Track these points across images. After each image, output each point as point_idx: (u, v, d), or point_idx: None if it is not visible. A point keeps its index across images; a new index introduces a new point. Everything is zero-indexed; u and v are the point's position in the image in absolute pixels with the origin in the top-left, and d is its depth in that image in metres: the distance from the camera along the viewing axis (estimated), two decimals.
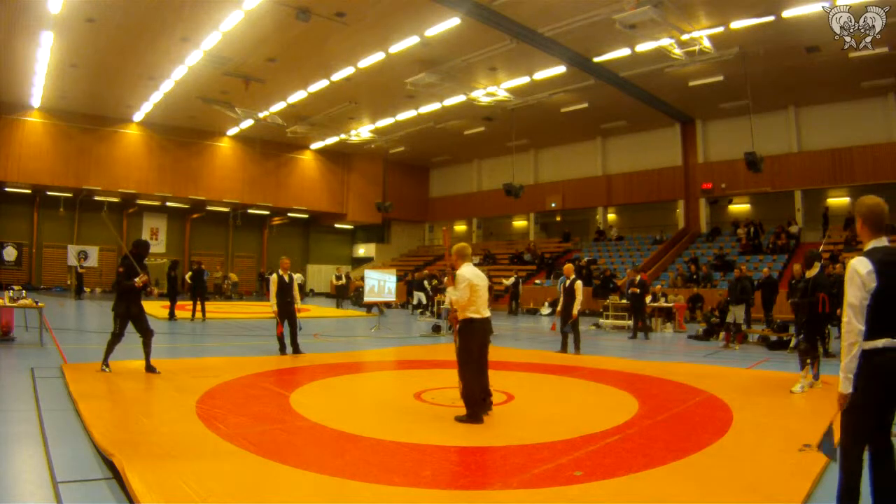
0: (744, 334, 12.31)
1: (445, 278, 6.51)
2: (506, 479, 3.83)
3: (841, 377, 2.95)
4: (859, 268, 2.90)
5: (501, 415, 5.77)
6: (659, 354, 11.09)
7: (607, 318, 17.08)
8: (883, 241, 3.02)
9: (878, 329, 2.88)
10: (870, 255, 2.96)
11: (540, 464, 4.11)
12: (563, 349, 10.58)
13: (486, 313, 5.60)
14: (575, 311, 10.25)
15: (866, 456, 2.95)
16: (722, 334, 12.62)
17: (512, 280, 22.81)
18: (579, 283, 10.43)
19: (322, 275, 34.84)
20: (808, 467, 4.01)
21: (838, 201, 22.58)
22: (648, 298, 14.73)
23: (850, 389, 2.91)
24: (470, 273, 5.54)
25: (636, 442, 4.78)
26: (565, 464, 4.13)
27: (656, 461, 4.20)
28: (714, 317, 13.77)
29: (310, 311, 19.00)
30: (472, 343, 5.50)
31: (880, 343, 2.87)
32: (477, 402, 5.39)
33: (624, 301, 16.39)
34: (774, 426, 5.32)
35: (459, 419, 5.35)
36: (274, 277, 9.71)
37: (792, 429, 5.09)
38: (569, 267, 10.87)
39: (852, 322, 2.88)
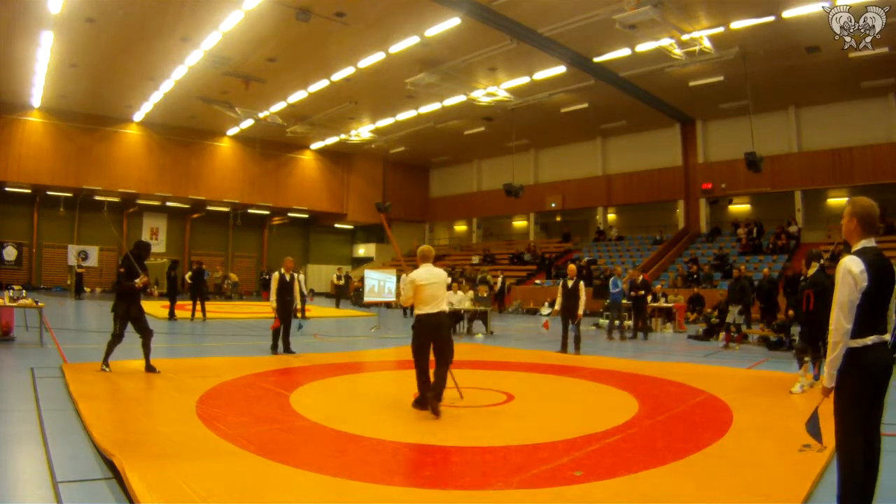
0: (743, 334, 12.31)
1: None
2: (506, 479, 3.82)
3: (825, 372, 3.10)
4: (852, 267, 2.98)
5: (501, 415, 5.78)
6: (659, 354, 11.09)
7: (607, 318, 17.05)
8: (872, 242, 3.12)
9: (867, 327, 3.00)
10: (861, 254, 3.05)
11: (540, 464, 4.11)
12: (564, 349, 10.58)
13: (432, 309, 5.71)
14: (580, 312, 10.27)
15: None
16: (722, 334, 12.62)
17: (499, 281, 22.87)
18: (582, 283, 10.50)
19: (322, 275, 34.85)
20: (808, 467, 4.01)
21: (838, 201, 22.58)
22: (649, 298, 14.73)
23: (833, 384, 3.06)
24: (417, 272, 5.78)
25: (636, 442, 4.78)
26: (565, 464, 4.13)
27: (656, 461, 4.20)
28: (714, 317, 13.77)
29: (310, 311, 18.98)
30: (417, 336, 5.72)
31: (869, 340, 3.00)
32: (422, 390, 5.66)
33: (624, 301, 16.37)
34: (774, 426, 5.31)
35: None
36: (275, 275, 9.75)
37: (792, 429, 5.08)
38: (572, 268, 10.89)
39: (840, 321, 2.98)
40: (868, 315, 3.00)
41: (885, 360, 3.02)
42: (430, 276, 5.76)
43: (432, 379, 5.67)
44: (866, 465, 3.00)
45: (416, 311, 5.73)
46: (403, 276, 6.36)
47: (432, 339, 5.70)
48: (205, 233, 32.36)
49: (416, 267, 5.96)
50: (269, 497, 3.50)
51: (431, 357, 5.77)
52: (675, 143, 25.66)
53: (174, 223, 31.62)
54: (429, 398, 5.54)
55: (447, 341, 5.81)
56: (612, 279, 14.60)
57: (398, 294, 18.41)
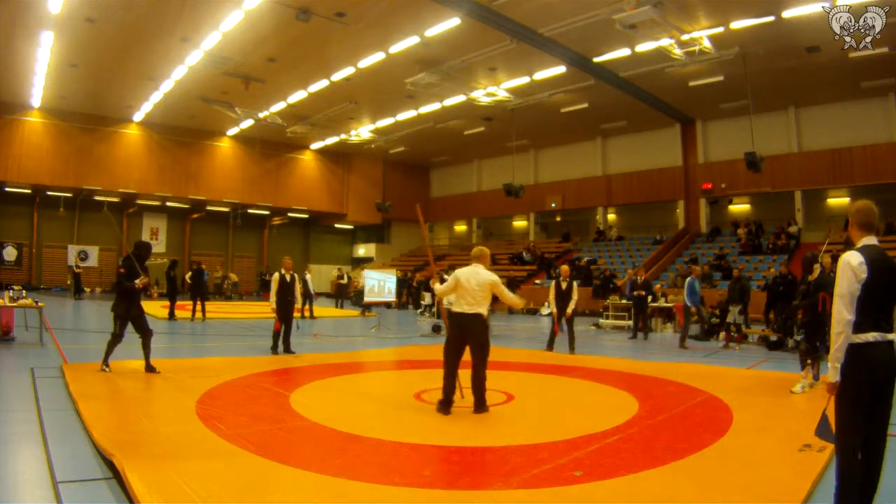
0: (743, 334, 12.31)
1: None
2: (506, 479, 3.82)
3: (829, 366, 3.08)
4: (851, 260, 3.03)
5: (501, 415, 5.78)
6: (659, 354, 11.09)
7: (607, 318, 17.07)
8: (872, 240, 3.15)
9: (867, 323, 2.99)
10: (861, 250, 3.09)
11: (540, 464, 4.11)
12: (550, 347, 10.73)
13: (466, 309, 5.75)
14: (569, 311, 10.31)
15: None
16: (722, 334, 12.62)
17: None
18: (575, 284, 10.68)
19: (322, 275, 34.86)
20: (808, 467, 4.01)
21: (838, 201, 22.58)
22: (649, 298, 14.73)
23: (837, 378, 3.04)
24: (462, 271, 5.91)
25: (636, 442, 4.78)
26: (565, 464, 4.13)
27: (656, 461, 4.20)
28: (714, 317, 13.77)
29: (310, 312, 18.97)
30: (450, 332, 5.86)
31: (870, 337, 2.98)
32: (448, 391, 5.68)
33: (624, 301, 16.38)
34: (774, 426, 5.31)
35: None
36: (276, 276, 9.74)
37: (792, 429, 5.08)
38: (566, 269, 10.94)
39: (842, 312, 2.99)
40: (869, 309, 2.99)
41: (887, 358, 2.99)
42: (471, 276, 5.83)
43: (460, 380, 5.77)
44: (866, 466, 2.98)
45: (451, 309, 5.80)
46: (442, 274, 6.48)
47: (463, 337, 5.74)
48: (205, 233, 32.34)
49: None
50: (269, 497, 3.49)
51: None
52: (675, 143, 25.67)
53: (174, 223, 31.61)
54: (474, 398, 5.69)
55: (467, 337, 5.80)
56: (689, 280, 12.67)
57: (398, 293, 18.65)
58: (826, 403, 3.23)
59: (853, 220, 3.25)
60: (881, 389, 2.99)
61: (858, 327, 2.99)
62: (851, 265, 3.01)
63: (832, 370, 3.07)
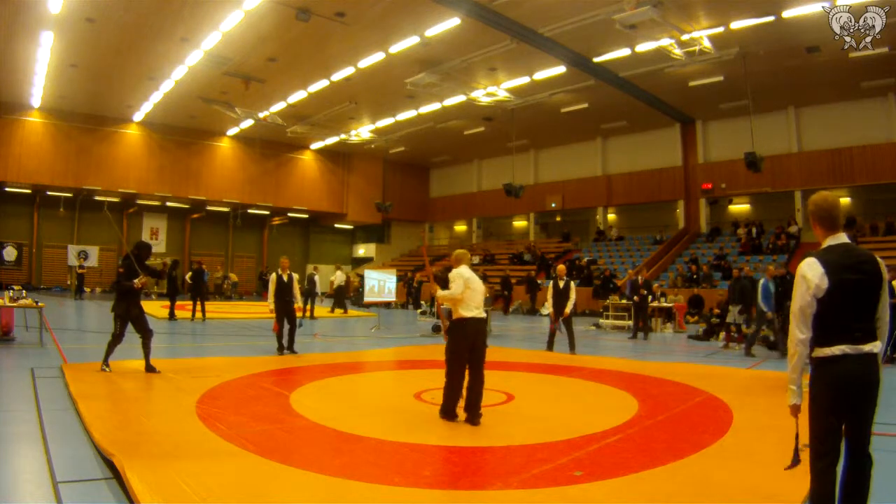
0: (744, 334, 12.29)
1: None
2: (506, 479, 3.82)
3: (788, 388, 2.86)
4: (807, 271, 2.69)
5: (501, 415, 5.77)
6: (659, 354, 11.09)
7: (607, 318, 17.07)
8: (839, 239, 2.80)
9: (835, 335, 2.67)
10: (823, 254, 2.76)
11: (540, 464, 4.11)
12: (550, 347, 10.72)
13: (477, 313, 5.53)
14: (567, 310, 10.32)
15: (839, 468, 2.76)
16: (722, 334, 12.62)
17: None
18: (573, 283, 10.70)
19: (322, 274, 34.81)
20: (808, 467, 4.00)
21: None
22: (650, 298, 14.72)
23: (796, 401, 2.84)
24: (464, 270, 5.61)
25: (636, 442, 4.78)
26: (565, 464, 4.13)
27: (656, 461, 4.20)
28: (714, 317, 13.77)
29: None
30: (462, 341, 5.44)
31: (837, 350, 2.66)
32: (455, 400, 5.40)
33: (624, 301, 16.37)
34: (774, 426, 5.30)
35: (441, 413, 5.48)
36: (273, 277, 9.74)
37: (792, 429, 5.03)
38: (562, 268, 10.98)
39: (794, 331, 2.73)
40: (832, 321, 2.66)
41: (856, 373, 2.64)
42: (474, 277, 5.60)
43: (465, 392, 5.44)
44: (842, 475, 2.73)
45: (461, 314, 5.46)
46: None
47: (473, 345, 5.46)
48: (205, 233, 32.35)
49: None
50: (269, 497, 3.50)
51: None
52: (675, 143, 25.66)
53: (174, 223, 31.61)
54: (470, 414, 5.33)
55: (484, 346, 5.61)
56: (763, 281, 10.57)
57: (398, 293, 18.57)
58: (796, 427, 2.93)
59: (811, 217, 2.85)
60: (851, 406, 2.65)
61: (823, 340, 2.69)
62: (806, 277, 2.67)
63: (790, 392, 2.80)
